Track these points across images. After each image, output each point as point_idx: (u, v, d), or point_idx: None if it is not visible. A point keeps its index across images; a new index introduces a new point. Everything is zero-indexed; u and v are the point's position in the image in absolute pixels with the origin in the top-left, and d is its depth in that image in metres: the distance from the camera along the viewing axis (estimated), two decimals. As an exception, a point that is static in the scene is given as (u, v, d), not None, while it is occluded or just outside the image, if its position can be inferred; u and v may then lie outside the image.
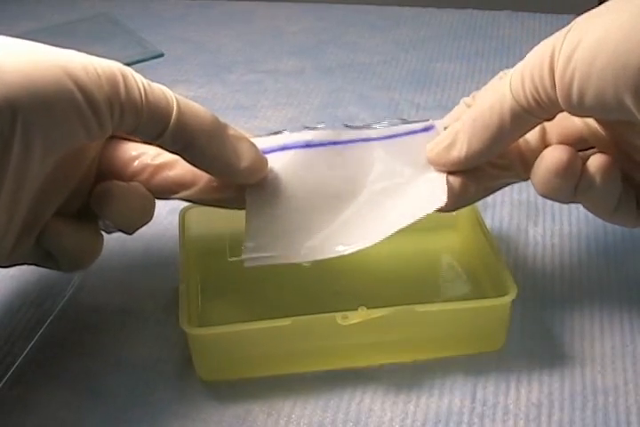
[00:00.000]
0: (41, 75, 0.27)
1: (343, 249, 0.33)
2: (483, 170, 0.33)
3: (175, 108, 0.30)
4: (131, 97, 0.29)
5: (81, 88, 0.27)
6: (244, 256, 0.32)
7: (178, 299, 0.33)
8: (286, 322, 0.32)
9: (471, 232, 0.37)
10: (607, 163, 0.31)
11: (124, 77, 0.29)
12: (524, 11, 0.69)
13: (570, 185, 0.31)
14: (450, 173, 0.33)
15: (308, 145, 0.34)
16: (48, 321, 0.37)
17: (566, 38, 0.27)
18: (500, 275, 0.34)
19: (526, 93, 0.29)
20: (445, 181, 0.32)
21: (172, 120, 0.30)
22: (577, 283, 0.39)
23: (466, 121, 0.32)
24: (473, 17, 0.68)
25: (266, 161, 0.33)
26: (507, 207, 0.44)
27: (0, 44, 0.28)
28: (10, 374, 0.34)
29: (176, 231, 0.37)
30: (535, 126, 0.31)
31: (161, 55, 0.63)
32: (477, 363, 0.35)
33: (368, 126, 0.35)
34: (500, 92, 0.30)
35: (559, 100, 0.28)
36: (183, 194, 0.34)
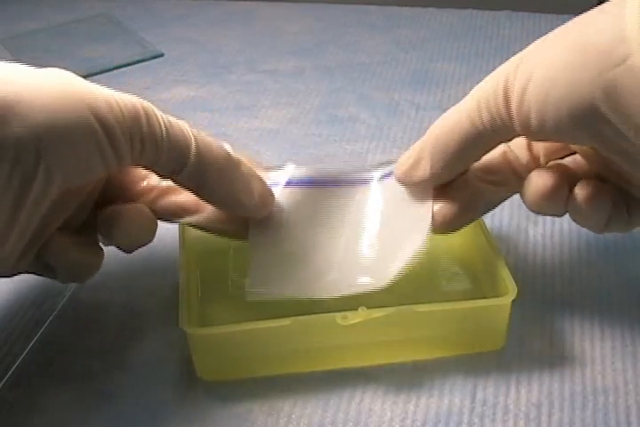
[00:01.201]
0: (67, 113, 0.27)
1: (365, 283, 0.33)
2: (477, 188, 0.34)
3: (194, 145, 0.30)
4: (152, 134, 0.29)
5: (104, 126, 0.28)
6: (247, 290, 0.33)
7: (178, 299, 0.33)
8: (286, 322, 0.32)
9: (471, 232, 0.37)
10: (594, 192, 0.31)
11: (147, 115, 0.29)
12: (524, 11, 0.69)
13: (559, 205, 0.32)
14: (444, 199, 0.33)
15: (311, 182, 0.35)
16: (48, 321, 0.37)
17: (518, 72, 0.27)
18: (500, 275, 0.34)
19: (483, 120, 0.30)
20: (429, 218, 0.33)
21: (191, 157, 0.30)
22: (577, 283, 0.39)
23: (427, 140, 0.32)
24: (473, 17, 0.68)
25: (273, 197, 0.34)
26: (507, 207, 0.44)
27: (30, 75, 0.28)
28: (10, 374, 0.34)
29: (176, 231, 0.37)
30: (497, 146, 0.31)
31: (161, 55, 0.63)
32: (477, 363, 0.35)
33: (368, 170, 0.36)
34: (459, 114, 0.31)
35: (518, 129, 0.29)
36: (187, 220, 0.34)
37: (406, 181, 0.34)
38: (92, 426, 0.32)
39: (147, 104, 0.30)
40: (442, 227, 0.34)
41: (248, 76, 0.61)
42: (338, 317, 0.32)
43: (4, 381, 0.34)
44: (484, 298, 0.35)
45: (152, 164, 0.30)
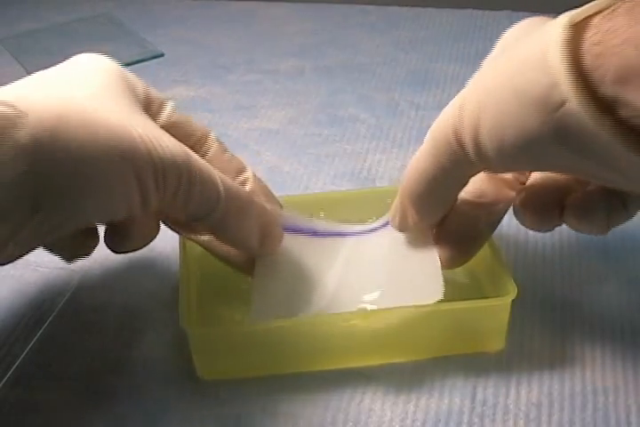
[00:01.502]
0: (106, 164, 0.27)
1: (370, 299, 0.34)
2: (473, 215, 0.33)
3: (222, 191, 0.31)
4: (188, 185, 0.29)
5: (139, 176, 0.28)
6: (251, 316, 0.33)
7: (178, 298, 0.33)
8: (286, 322, 0.32)
9: (471, 232, 0.37)
10: (585, 208, 0.31)
11: (188, 168, 0.29)
12: (524, 11, 0.68)
13: (553, 224, 0.32)
14: (446, 237, 0.34)
15: (315, 233, 0.37)
16: (48, 321, 0.37)
17: (465, 120, 0.27)
18: (500, 275, 0.34)
19: (445, 165, 0.29)
20: (439, 271, 0.33)
21: (219, 207, 0.31)
22: (577, 283, 0.39)
23: (404, 189, 0.32)
24: (473, 17, 0.68)
25: (281, 239, 0.35)
26: (507, 207, 0.44)
27: (83, 115, 0.27)
28: (10, 374, 0.34)
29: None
30: (469, 179, 0.31)
31: (161, 55, 0.63)
32: (477, 363, 0.35)
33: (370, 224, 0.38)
34: (424, 160, 0.30)
35: (481, 168, 0.29)
36: (193, 237, 0.35)
37: (403, 230, 0.35)
38: (92, 426, 0.32)
39: (190, 155, 0.30)
40: (453, 264, 0.34)
41: (248, 76, 0.61)
42: (338, 317, 0.32)
43: (4, 381, 0.34)
44: (484, 298, 0.35)
45: (178, 213, 0.31)
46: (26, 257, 0.32)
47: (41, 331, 0.37)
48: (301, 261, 0.35)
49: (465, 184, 0.31)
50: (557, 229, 0.42)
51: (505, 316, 0.34)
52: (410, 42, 0.65)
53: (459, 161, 0.28)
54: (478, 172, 0.30)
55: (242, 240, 0.33)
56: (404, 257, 0.35)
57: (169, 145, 0.29)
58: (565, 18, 0.24)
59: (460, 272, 0.38)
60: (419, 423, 0.32)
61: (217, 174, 0.31)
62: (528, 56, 0.24)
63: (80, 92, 0.29)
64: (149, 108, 0.33)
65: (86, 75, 0.30)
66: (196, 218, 0.31)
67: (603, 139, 0.23)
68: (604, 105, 0.23)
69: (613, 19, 0.22)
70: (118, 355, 0.36)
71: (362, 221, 0.40)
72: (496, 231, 0.42)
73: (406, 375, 0.34)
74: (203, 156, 0.35)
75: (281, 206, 0.36)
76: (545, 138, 0.24)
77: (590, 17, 0.23)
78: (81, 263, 0.40)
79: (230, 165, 0.35)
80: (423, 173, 0.31)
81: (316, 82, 0.59)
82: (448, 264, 0.34)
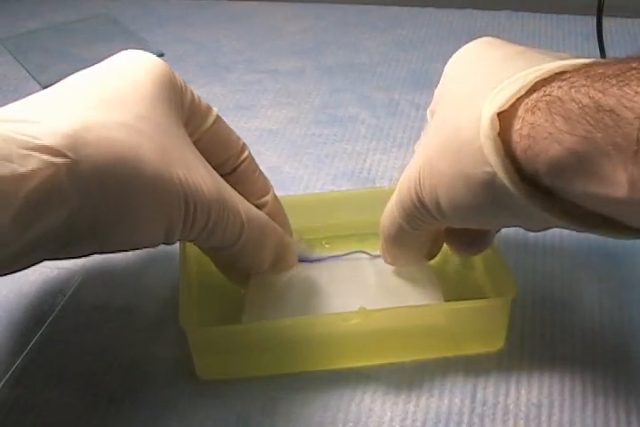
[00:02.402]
0: (142, 211, 0.28)
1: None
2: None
3: (246, 224, 0.32)
4: (219, 223, 0.31)
5: (169, 217, 0.29)
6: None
7: (178, 298, 0.33)
8: (286, 322, 0.32)
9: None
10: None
11: (218, 214, 0.30)
12: (524, 11, 0.69)
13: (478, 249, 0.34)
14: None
15: (317, 260, 0.38)
16: (48, 321, 0.37)
17: (425, 187, 0.29)
18: (500, 275, 0.34)
19: (412, 222, 0.32)
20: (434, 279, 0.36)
21: (241, 239, 0.32)
22: (577, 283, 0.39)
23: (382, 238, 0.35)
24: (473, 17, 0.68)
25: (295, 262, 0.36)
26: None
27: (153, 154, 0.28)
28: (10, 374, 0.34)
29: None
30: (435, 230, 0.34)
31: (161, 55, 0.63)
32: (477, 363, 0.35)
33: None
34: (392, 215, 0.33)
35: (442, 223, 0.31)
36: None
37: (397, 265, 0.37)
38: (92, 426, 0.32)
39: (220, 194, 0.31)
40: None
41: (248, 76, 0.61)
42: (338, 317, 0.32)
43: (3, 381, 0.34)
44: (484, 298, 0.35)
45: (199, 244, 0.32)
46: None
47: (41, 331, 0.37)
48: (293, 280, 0.36)
49: (432, 235, 0.34)
50: (557, 229, 0.42)
51: (505, 316, 0.34)
52: (410, 42, 0.65)
53: (423, 216, 0.31)
54: (441, 225, 0.32)
55: (255, 266, 0.34)
56: (398, 273, 0.37)
57: (204, 189, 0.30)
58: (493, 106, 0.26)
59: (459, 272, 0.39)
60: (419, 423, 0.32)
61: (242, 207, 0.32)
62: (466, 144, 0.27)
63: (128, 115, 0.28)
64: (193, 118, 0.33)
65: (135, 85, 0.30)
66: (215, 250, 0.33)
67: (531, 209, 0.26)
68: (537, 188, 0.26)
69: (536, 112, 0.24)
70: (118, 355, 0.36)
71: (362, 221, 0.40)
72: (496, 232, 0.42)
73: (406, 375, 0.34)
74: (232, 172, 0.35)
75: (291, 232, 0.37)
76: (488, 207, 0.27)
77: (515, 104, 0.26)
78: (81, 263, 0.41)
79: (255, 186, 0.36)
80: (394, 221, 0.33)
81: (316, 82, 0.59)
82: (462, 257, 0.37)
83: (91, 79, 0.30)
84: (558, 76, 0.25)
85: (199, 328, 0.33)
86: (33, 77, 0.58)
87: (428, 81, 0.58)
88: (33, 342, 0.36)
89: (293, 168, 0.49)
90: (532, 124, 0.25)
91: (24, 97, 0.29)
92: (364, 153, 0.50)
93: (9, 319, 0.38)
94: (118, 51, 0.33)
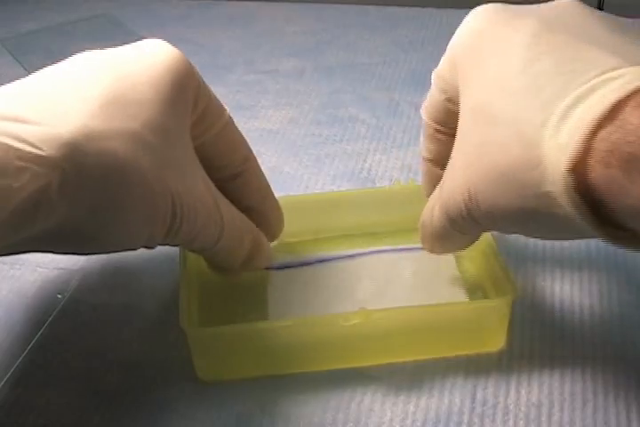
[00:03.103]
0: (128, 225, 0.28)
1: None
2: None
3: (225, 228, 0.32)
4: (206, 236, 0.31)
5: (153, 232, 0.29)
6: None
7: (178, 298, 0.33)
8: (287, 322, 0.32)
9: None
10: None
11: (203, 226, 0.30)
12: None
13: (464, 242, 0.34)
14: None
15: (322, 260, 0.39)
16: (48, 321, 0.37)
17: (477, 210, 0.29)
18: (500, 275, 0.34)
19: (457, 229, 0.32)
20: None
21: (219, 243, 0.32)
22: (577, 283, 0.39)
23: (422, 233, 0.35)
24: (473, 17, 0.68)
25: (269, 260, 0.36)
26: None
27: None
28: (10, 374, 0.34)
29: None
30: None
31: (161, 55, 0.63)
32: (477, 363, 0.35)
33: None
34: (440, 222, 0.32)
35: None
36: None
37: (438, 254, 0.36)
38: (92, 426, 0.32)
39: (208, 208, 0.30)
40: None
41: (248, 77, 0.61)
42: (338, 317, 0.32)
43: (3, 381, 0.34)
44: (485, 298, 0.35)
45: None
46: (26, 257, 0.32)
47: (41, 331, 0.37)
48: (317, 276, 0.37)
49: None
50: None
51: (505, 316, 0.34)
52: (410, 42, 0.65)
53: (473, 228, 0.31)
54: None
55: (227, 266, 0.34)
56: (423, 270, 0.37)
57: (195, 202, 0.29)
58: (562, 155, 0.24)
59: (460, 272, 0.38)
60: (419, 423, 0.32)
61: (225, 215, 0.32)
62: (531, 187, 0.25)
63: (135, 121, 0.27)
64: (204, 119, 0.32)
65: (152, 85, 0.28)
66: (189, 250, 0.33)
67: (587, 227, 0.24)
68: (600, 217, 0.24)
69: (612, 164, 0.22)
70: (118, 355, 0.36)
71: (362, 221, 0.40)
72: (496, 232, 0.42)
73: (406, 375, 0.34)
74: (234, 177, 0.34)
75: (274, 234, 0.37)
76: (555, 229, 0.27)
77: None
78: (81, 263, 0.41)
79: (254, 191, 0.35)
80: (439, 224, 0.32)
81: (316, 82, 0.59)
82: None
83: (104, 72, 0.28)
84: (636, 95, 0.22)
85: (199, 329, 0.33)
86: (33, 77, 0.58)
87: (428, 81, 0.58)
88: (33, 342, 0.36)
89: (293, 168, 0.49)
90: (609, 176, 0.23)
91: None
92: (363, 153, 0.50)
93: (9, 319, 0.38)
94: (118, 51, 0.32)
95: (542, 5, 0.29)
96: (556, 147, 0.24)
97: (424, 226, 0.34)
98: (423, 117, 0.35)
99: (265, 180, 0.36)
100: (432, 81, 0.34)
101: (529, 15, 0.28)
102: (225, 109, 0.34)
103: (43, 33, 0.68)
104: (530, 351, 0.35)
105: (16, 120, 0.25)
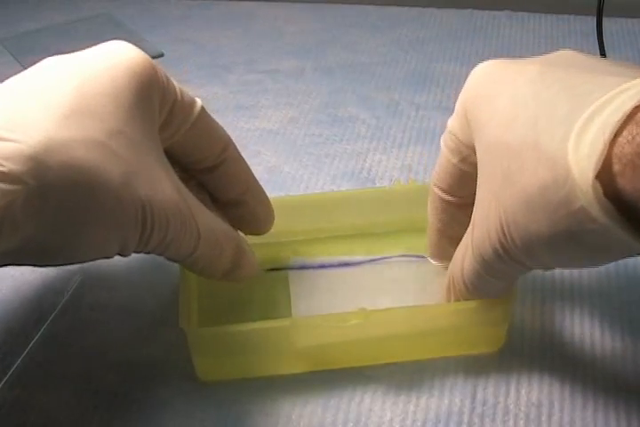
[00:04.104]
0: (97, 231, 0.27)
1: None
2: None
3: (201, 239, 0.31)
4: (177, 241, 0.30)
5: (125, 239, 0.28)
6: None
7: (178, 298, 0.33)
8: (286, 322, 0.32)
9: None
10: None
11: (175, 233, 0.29)
12: (523, 11, 0.69)
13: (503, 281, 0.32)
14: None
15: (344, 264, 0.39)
16: (48, 321, 0.37)
17: (515, 241, 0.27)
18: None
19: (491, 274, 0.30)
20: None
21: (197, 251, 0.31)
22: (577, 283, 0.39)
23: (455, 287, 0.34)
24: (473, 17, 0.68)
25: (254, 269, 0.35)
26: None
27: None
28: (10, 374, 0.34)
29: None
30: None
31: (161, 55, 0.63)
32: (477, 363, 0.35)
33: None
34: (473, 264, 0.31)
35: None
36: None
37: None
38: (92, 426, 0.32)
39: (180, 213, 0.30)
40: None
41: (248, 76, 0.61)
42: (338, 317, 0.32)
43: (3, 381, 0.34)
44: (484, 298, 0.35)
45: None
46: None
47: (41, 331, 0.37)
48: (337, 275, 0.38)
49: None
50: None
51: (505, 316, 0.34)
52: (410, 42, 0.65)
53: (509, 268, 0.29)
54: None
55: (208, 275, 0.34)
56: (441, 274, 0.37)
57: (166, 209, 0.28)
58: (587, 166, 0.23)
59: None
60: (419, 423, 0.32)
61: (201, 221, 0.31)
62: (564, 205, 0.25)
63: (100, 130, 0.27)
64: (174, 118, 0.31)
65: (115, 91, 0.28)
66: (168, 259, 0.32)
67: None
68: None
69: (637, 168, 0.22)
70: (118, 355, 0.36)
71: (362, 222, 0.40)
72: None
73: (406, 375, 0.34)
74: (213, 168, 0.34)
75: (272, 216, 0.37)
76: (597, 254, 0.27)
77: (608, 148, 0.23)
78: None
79: (236, 182, 0.35)
80: (472, 271, 0.31)
81: (316, 82, 0.59)
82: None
83: (67, 80, 0.28)
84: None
85: (198, 329, 0.33)
86: (33, 77, 0.58)
87: (427, 81, 0.58)
88: (33, 342, 0.36)
89: (293, 168, 0.49)
90: (637, 178, 0.22)
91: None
92: (363, 153, 0.50)
93: (9, 319, 0.37)
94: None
95: (544, 55, 0.30)
96: (581, 158, 0.24)
97: (455, 277, 0.33)
98: (433, 190, 0.35)
99: (248, 169, 0.35)
100: (441, 148, 0.33)
101: (532, 62, 0.29)
102: (195, 102, 0.32)
103: (43, 33, 0.68)
104: (530, 351, 0.35)
105: None
